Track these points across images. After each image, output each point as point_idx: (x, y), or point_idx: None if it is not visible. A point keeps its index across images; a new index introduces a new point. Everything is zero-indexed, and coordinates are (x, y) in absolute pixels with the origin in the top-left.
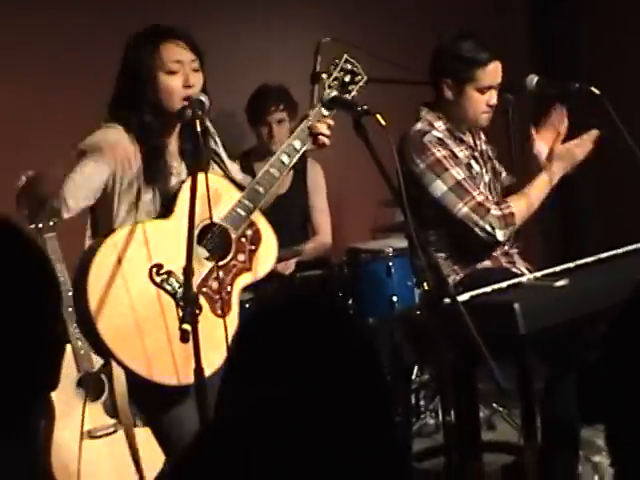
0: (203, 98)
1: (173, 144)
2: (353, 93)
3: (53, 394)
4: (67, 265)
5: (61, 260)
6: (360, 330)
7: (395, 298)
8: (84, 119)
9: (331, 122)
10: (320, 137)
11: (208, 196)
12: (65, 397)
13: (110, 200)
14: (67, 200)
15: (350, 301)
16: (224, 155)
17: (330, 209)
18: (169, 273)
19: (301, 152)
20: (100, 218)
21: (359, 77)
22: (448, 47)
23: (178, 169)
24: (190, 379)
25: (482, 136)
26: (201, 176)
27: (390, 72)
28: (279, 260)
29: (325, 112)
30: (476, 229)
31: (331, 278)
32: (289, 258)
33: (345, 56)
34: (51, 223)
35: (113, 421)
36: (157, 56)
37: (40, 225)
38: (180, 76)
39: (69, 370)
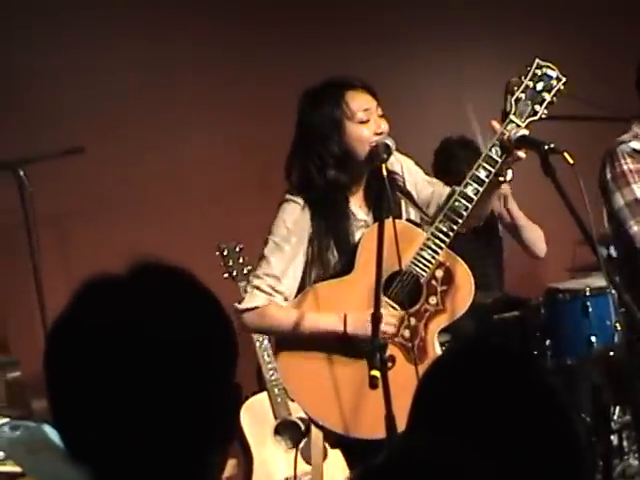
0: (389, 142)
1: (359, 197)
2: (547, 100)
3: (251, 441)
4: None
5: None
6: (541, 376)
7: (594, 338)
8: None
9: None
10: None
11: (396, 242)
12: (263, 444)
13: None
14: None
15: (548, 342)
16: (416, 190)
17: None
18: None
19: (487, 182)
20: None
21: (555, 81)
22: None
23: (367, 221)
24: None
25: None
26: (387, 223)
27: (583, 110)
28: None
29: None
30: None
31: (529, 319)
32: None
33: (537, 61)
34: (245, 271)
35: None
36: (345, 106)
37: (234, 273)
38: (371, 124)
39: (266, 417)
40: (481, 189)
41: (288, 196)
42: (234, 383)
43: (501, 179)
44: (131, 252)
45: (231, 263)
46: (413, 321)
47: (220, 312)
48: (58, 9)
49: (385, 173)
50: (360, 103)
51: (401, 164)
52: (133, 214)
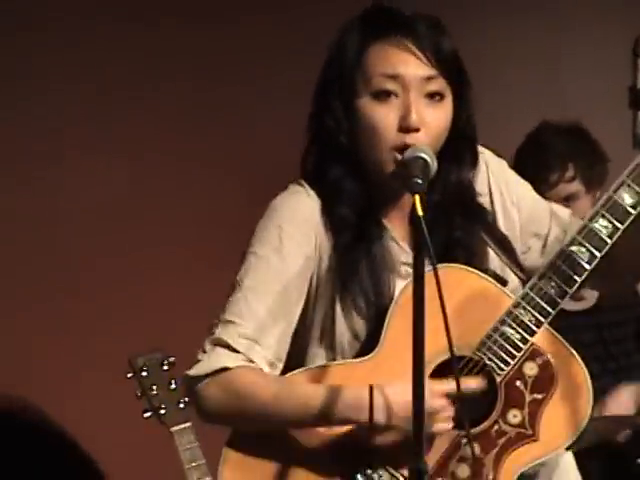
0: (425, 156)
1: (403, 222)
2: None
3: None
4: None
5: (199, 457)
6: None
7: None
8: None
9: None
10: None
11: (445, 315)
12: None
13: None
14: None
15: None
16: (519, 223)
17: None
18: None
19: (634, 215)
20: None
21: None
22: None
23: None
24: None
25: None
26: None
27: None
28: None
29: None
30: None
31: None
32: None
33: None
34: (181, 406)
35: None
36: (362, 65)
37: (162, 411)
38: (396, 107)
39: None
40: (621, 227)
41: (292, 185)
42: None
43: None
44: None
45: (155, 391)
46: (476, 450)
47: None
48: None
49: (420, 212)
50: (384, 62)
51: (488, 177)
52: None
